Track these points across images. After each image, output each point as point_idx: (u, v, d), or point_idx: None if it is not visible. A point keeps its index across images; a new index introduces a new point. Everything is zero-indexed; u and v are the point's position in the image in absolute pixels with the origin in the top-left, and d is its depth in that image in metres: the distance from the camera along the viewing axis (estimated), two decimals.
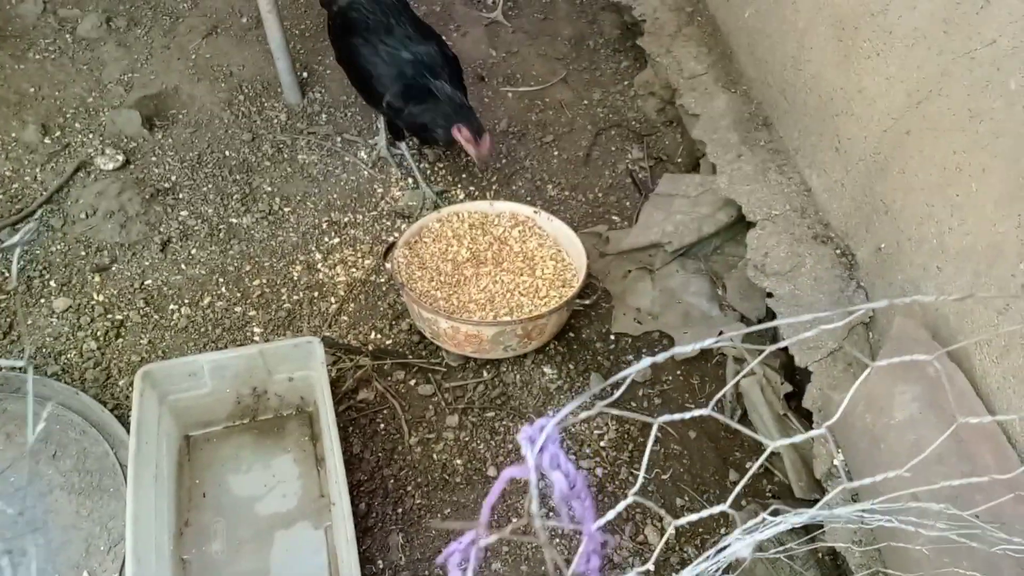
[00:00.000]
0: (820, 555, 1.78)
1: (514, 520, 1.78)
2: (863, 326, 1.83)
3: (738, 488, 0.55)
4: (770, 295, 1.94)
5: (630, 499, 0.50)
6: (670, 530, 0.51)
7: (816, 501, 1.76)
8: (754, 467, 0.61)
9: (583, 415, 0.50)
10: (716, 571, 0.65)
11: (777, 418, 1.90)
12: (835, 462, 1.68)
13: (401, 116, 2.28)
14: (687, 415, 0.49)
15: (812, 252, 1.94)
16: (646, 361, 0.49)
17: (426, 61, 2.23)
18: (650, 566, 0.55)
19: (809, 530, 1.75)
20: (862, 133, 1.85)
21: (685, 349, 0.60)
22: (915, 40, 1.63)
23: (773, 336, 2.13)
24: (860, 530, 1.59)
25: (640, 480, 0.54)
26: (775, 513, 0.63)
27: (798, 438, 0.57)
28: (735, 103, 2.33)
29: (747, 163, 2.15)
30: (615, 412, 0.48)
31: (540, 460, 0.41)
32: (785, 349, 2.04)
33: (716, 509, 0.52)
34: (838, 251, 1.93)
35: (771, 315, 2.09)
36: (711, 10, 2.63)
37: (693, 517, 0.52)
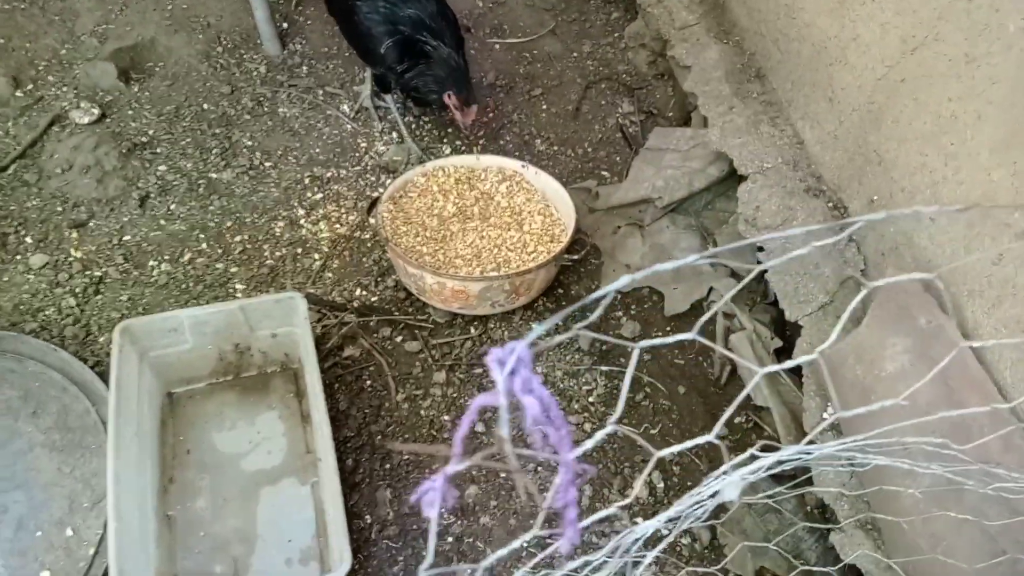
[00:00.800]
0: (808, 508, 1.78)
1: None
2: (853, 279, 1.81)
3: (724, 417, 0.53)
4: (761, 249, 1.91)
5: (609, 428, 0.47)
6: (652, 461, 0.49)
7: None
8: (743, 394, 0.59)
9: (557, 338, 0.47)
10: (703, 513, 0.64)
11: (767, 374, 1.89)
12: (824, 414, 1.68)
13: (397, 76, 2.22)
14: (670, 339, 0.46)
15: (804, 205, 1.91)
16: (624, 279, 0.46)
17: (425, 21, 2.14)
18: (630, 500, 0.53)
19: (797, 482, 1.75)
20: (856, 82, 1.80)
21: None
22: None
23: (764, 293, 2.12)
24: (848, 481, 1.60)
25: (620, 407, 0.52)
26: (764, 450, 0.61)
27: (787, 365, 0.55)
28: (727, 54, 2.27)
29: (739, 115, 2.11)
30: (590, 335, 0.45)
31: (511, 384, 0.39)
32: (775, 303, 2.03)
33: (701, 439, 0.49)
34: (830, 204, 1.91)
35: (762, 271, 2.07)
36: None
37: (676, 448, 0.50)
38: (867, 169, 1.78)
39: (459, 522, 1.71)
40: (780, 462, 0.64)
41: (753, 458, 0.60)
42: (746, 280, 0.60)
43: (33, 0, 2.66)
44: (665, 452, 0.48)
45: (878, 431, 0.81)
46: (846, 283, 1.79)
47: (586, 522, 0.46)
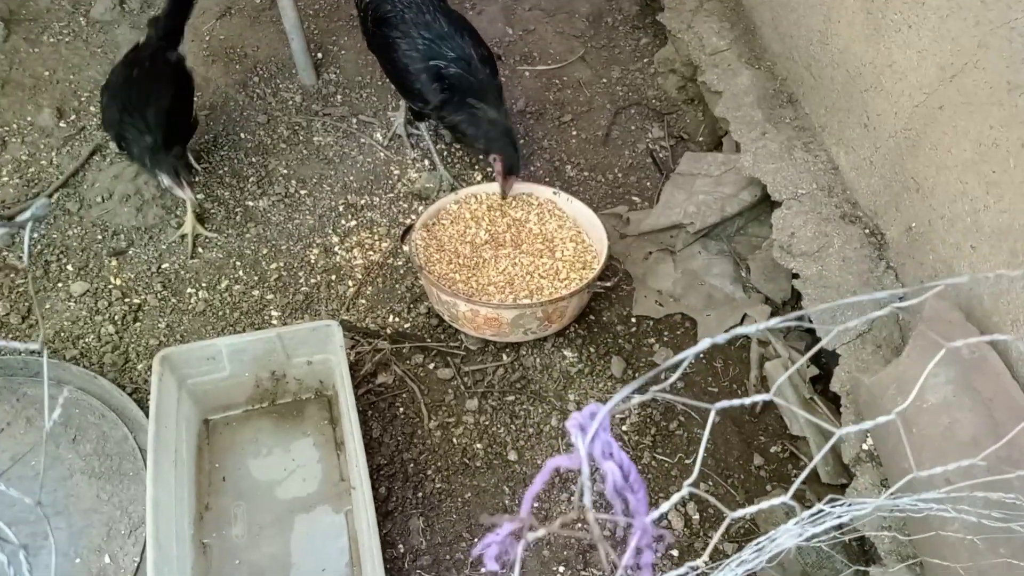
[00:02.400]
0: (848, 541, 1.75)
1: (557, 512, 1.76)
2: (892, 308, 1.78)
3: (799, 481, 0.52)
4: (796, 276, 1.89)
5: (685, 490, 0.47)
6: (726, 522, 0.48)
7: (844, 486, 1.73)
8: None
9: (636, 400, 0.47)
10: (760, 563, 0.63)
11: (803, 401, 1.86)
12: (864, 445, 1.65)
13: (442, 119, 2.22)
14: (747, 400, 0.46)
15: (840, 232, 1.89)
16: (706, 342, 0.46)
17: (463, 61, 2.12)
18: (705, 558, 0.52)
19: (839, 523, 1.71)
20: (892, 109, 1.79)
21: (719, 339, 0.56)
22: (950, 11, 1.57)
23: (799, 319, 2.09)
24: (890, 516, 1.56)
25: (697, 470, 0.51)
26: (831, 502, 0.60)
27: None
28: (759, 79, 2.27)
29: (772, 141, 2.10)
30: (670, 399, 0.45)
31: (591, 449, 0.38)
32: (811, 331, 2.00)
33: (776, 500, 0.49)
34: (867, 231, 1.88)
35: (796, 296, 2.05)
36: None
37: (752, 509, 0.49)
38: (904, 196, 1.76)
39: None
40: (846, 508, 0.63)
41: (820, 512, 0.59)
42: (787, 320, 0.59)
43: (77, 34, 2.74)
44: (739, 513, 0.48)
45: (949, 488, 0.79)
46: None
47: None
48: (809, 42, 2.09)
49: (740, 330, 0.51)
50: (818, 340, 1.83)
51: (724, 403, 0.45)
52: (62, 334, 2.00)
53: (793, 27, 2.17)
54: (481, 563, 1.68)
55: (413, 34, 2.14)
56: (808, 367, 1.94)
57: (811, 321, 1.91)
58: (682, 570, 0.53)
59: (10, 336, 1.99)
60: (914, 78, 1.70)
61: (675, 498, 0.45)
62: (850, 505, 0.61)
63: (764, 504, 0.48)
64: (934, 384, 1.48)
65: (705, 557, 0.52)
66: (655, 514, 0.41)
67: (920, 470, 1.33)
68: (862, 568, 1.60)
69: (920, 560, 1.49)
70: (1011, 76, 1.42)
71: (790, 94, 2.24)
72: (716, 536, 0.54)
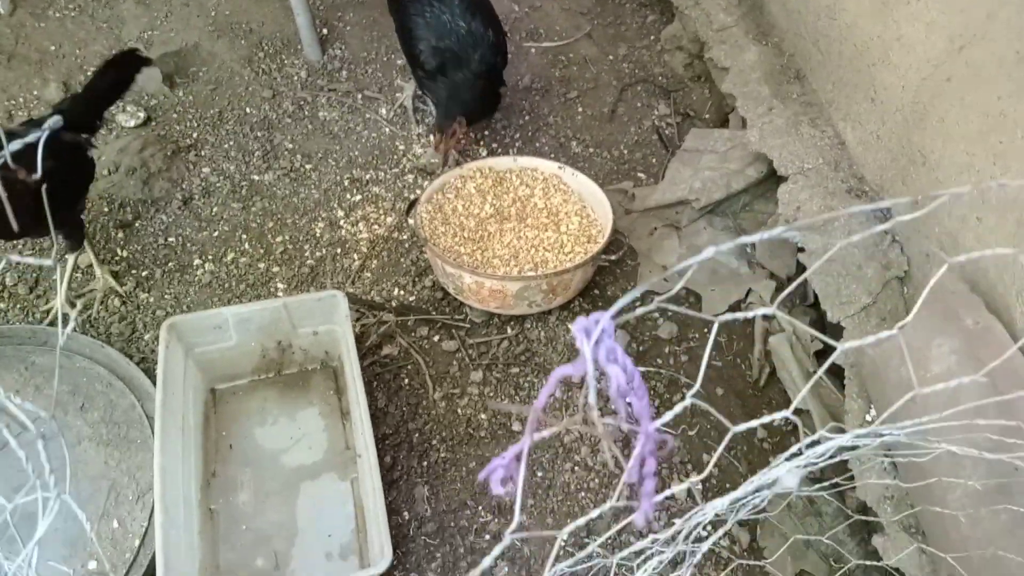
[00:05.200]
0: (849, 512, 1.76)
1: (560, 480, 1.78)
2: (898, 280, 1.78)
3: (802, 393, 0.52)
4: (801, 250, 1.89)
5: (688, 401, 0.48)
6: (728, 436, 0.49)
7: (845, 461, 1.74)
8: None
9: (639, 310, 0.48)
10: (761, 502, 0.63)
11: (807, 375, 1.87)
12: (867, 416, 1.66)
13: (426, 76, 2.24)
14: (768, 419, 0.46)
15: (846, 206, 1.88)
16: (710, 250, 0.46)
17: (463, 36, 2.14)
18: (703, 476, 0.53)
19: (838, 486, 1.72)
20: (899, 82, 1.78)
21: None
22: None
23: (803, 294, 2.09)
24: (892, 486, 1.57)
25: (700, 377, 0.52)
26: (815, 443, 0.61)
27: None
28: (766, 55, 2.26)
29: (779, 116, 2.09)
30: (672, 307, 0.45)
31: (596, 353, 0.39)
32: (815, 305, 2.01)
33: (779, 415, 0.49)
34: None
35: (801, 271, 2.05)
36: None
37: (753, 423, 0.50)
38: (911, 169, 1.75)
39: (496, 520, 1.71)
40: (843, 448, 0.64)
41: (814, 444, 0.59)
42: (793, 286, 0.60)
43: (83, 8, 2.73)
44: (741, 427, 0.48)
45: (930, 418, 0.80)
46: (889, 284, 1.77)
47: (661, 496, 0.47)
48: (817, 17, 2.08)
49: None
50: (823, 316, 1.84)
51: (727, 316, 0.46)
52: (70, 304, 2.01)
53: (801, 3, 2.15)
54: (485, 530, 1.69)
55: (427, 4, 2.15)
56: (813, 341, 1.95)
57: (817, 299, 1.91)
58: (683, 486, 0.54)
59: (17, 308, 2.00)
60: (922, 51, 1.69)
61: (678, 407, 0.46)
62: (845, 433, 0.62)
63: (765, 419, 0.49)
64: (939, 354, 1.48)
65: (707, 472, 0.52)
66: (658, 422, 0.42)
67: (923, 441, 1.34)
68: (862, 517, 1.61)
69: (923, 529, 1.50)
70: (1020, 47, 1.41)
71: (797, 70, 2.23)
72: (718, 451, 0.55)
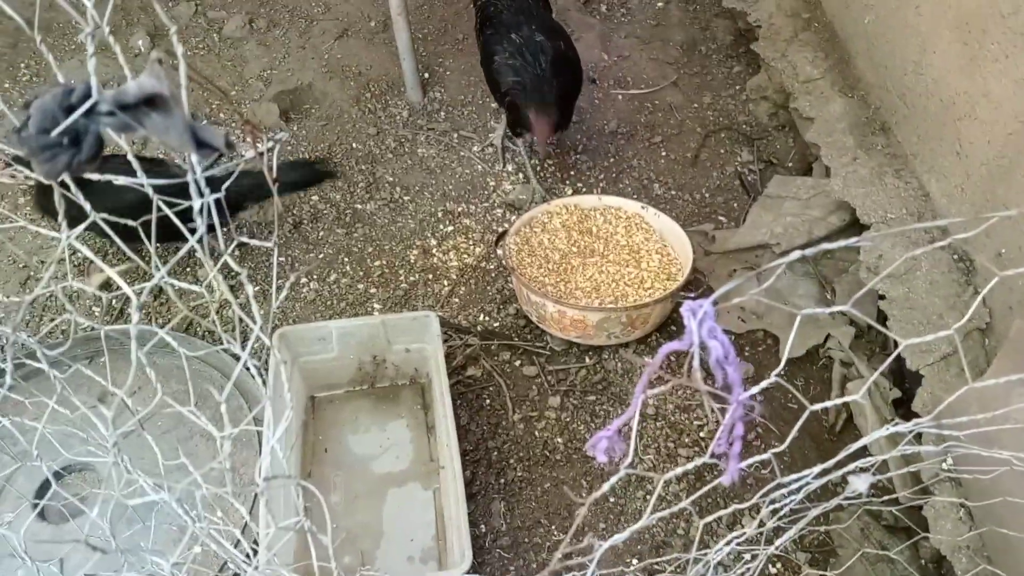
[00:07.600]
0: (923, 562, 1.75)
1: (632, 508, 1.84)
2: (979, 332, 1.79)
3: (872, 377, 0.60)
4: (883, 297, 1.92)
5: (772, 378, 0.56)
6: (806, 414, 0.57)
7: (922, 508, 1.74)
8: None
9: (736, 300, 0.57)
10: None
11: (884, 423, 1.88)
12: (943, 465, 1.66)
13: (511, 107, 2.40)
14: (825, 310, 0.54)
15: (928, 256, 1.91)
16: (795, 254, 0.55)
17: (541, 73, 2.31)
18: (783, 447, 0.61)
19: (911, 534, 1.72)
20: (985, 137, 1.82)
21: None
22: None
23: (883, 343, 2.11)
24: (968, 535, 1.57)
25: (783, 363, 0.60)
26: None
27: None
28: (852, 107, 2.32)
29: (863, 166, 2.14)
30: (765, 301, 0.54)
31: (700, 331, 0.48)
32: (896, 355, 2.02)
33: (849, 398, 0.57)
34: (955, 256, 1.90)
35: (883, 319, 2.07)
36: (828, 16, 2.63)
37: (829, 404, 0.57)
38: (995, 223, 1.77)
39: (570, 541, 1.78)
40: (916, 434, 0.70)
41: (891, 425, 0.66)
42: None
43: (211, 48, 3.03)
44: (818, 406, 0.56)
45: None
46: (971, 335, 1.78)
47: (745, 463, 0.55)
48: (904, 72, 2.13)
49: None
50: (902, 363, 1.86)
51: (808, 311, 0.55)
52: (195, 312, 2.21)
53: (888, 57, 2.21)
54: (558, 549, 1.76)
55: (505, 34, 2.36)
56: (891, 389, 1.96)
57: (896, 345, 1.93)
58: (766, 455, 0.62)
59: (145, 313, 2.22)
60: (1009, 107, 1.73)
61: (764, 383, 0.55)
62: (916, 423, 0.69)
63: (840, 400, 0.56)
64: (1019, 403, 1.49)
65: (786, 445, 0.60)
66: (750, 392, 0.50)
67: (1000, 490, 1.36)
68: None
69: None
70: None
71: (882, 122, 2.28)
72: (794, 429, 0.63)
